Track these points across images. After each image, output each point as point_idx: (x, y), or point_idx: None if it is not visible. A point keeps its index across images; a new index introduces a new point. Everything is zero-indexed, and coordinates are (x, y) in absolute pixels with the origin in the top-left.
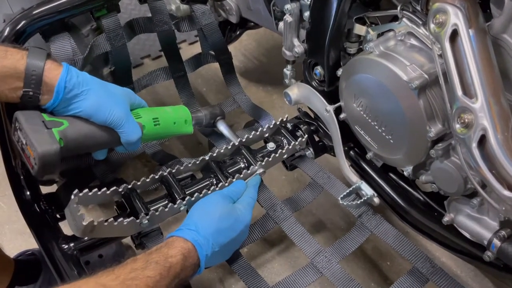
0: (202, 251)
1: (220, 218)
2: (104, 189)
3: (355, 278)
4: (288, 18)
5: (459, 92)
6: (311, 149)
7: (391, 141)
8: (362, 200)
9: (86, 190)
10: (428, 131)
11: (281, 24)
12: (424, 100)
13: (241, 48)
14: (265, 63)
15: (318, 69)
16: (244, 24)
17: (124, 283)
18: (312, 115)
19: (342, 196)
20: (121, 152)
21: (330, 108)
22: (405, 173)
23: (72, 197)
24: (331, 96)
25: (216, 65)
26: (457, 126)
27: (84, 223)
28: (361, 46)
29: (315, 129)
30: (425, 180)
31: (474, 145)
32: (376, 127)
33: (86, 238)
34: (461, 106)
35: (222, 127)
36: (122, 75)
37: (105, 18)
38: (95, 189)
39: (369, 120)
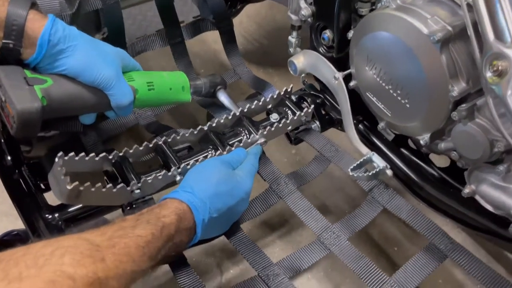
0: (198, 215)
1: (218, 182)
2: (93, 154)
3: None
4: None
5: (491, 37)
6: (317, 122)
7: (407, 105)
8: (374, 171)
9: (72, 153)
10: (451, 90)
11: None
12: (447, 56)
13: (241, 30)
14: (266, 45)
15: (327, 33)
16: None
17: (111, 240)
18: (318, 88)
19: (352, 167)
20: (112, 118)
21: (339, 75)
22: (421, 142)
23: (56, 160)
24: (340, 63)
25: (216, 46)
26: (489, 74)
27: (69, 187)
28: (373, 7)
29: (321, 102)
30: (444, 148)
31: (509, 92)
32: (391, 91)
33: (72, 208)
34: (494, 53)
35: (223, 97)
36: (114, 37)
37: None
38: (82, 154)
39: (383, 84)
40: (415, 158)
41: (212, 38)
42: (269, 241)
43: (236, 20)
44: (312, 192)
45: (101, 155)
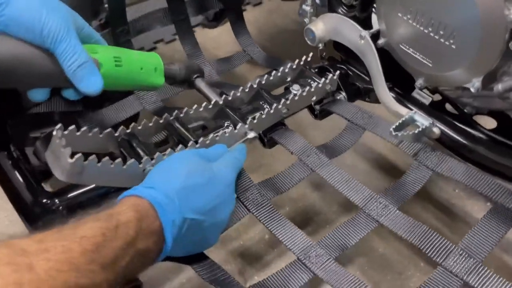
0: (164, 214)
1: (188, 173)
2: (96, 129)
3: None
4: None
5: None
6: (343, 93)
7: (453, 46)
8: (420, 129)
9: (73, 126)
10: (508, 13)
11: None
12: None
13: None
14: (269, 48)
15: None
16: None
17: (42, 243)
18: (339, 59)
19: (394, 127)
20: (72, 98)
21: (366, 33)
22: (472, 89)
23: (54, 132)
24: (363, 24)
25: (222, 38)
26: None
27: (71, 160)
28: None
29: (345, 73)
30: (502, 89)
31: None
32: (432, 34)
33: (74, 193)
34: None
35: (202, 85)
36: (115, 12)
37: None
38: (85, 128)
39: (422, 28)
40: (457, 123)
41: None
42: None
43: None
44: None
45: (106, 131)
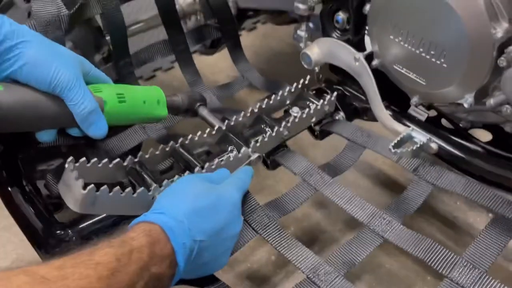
0: (175, 238)
1: (195, 196)
2: (106, 160)
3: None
4: None
5: None
6: (342, 113)
7: (444, 65)
8: (418, 145)
9: (84, 159)
10: (494, 32)
11: None
12: None
13: None
14: (266, 70)
15: (340, 15)
16: (242, 17)
17: (62, 269)
18: (335, 80)
19: (393, 144)
20: (76, 135)
21: (360, 54)
22: (465, 105)
23: (66, 165)
24: (357, 47)
25: (219, 64)
26: None
27: (84, 191)
28: None
29: (342, 94)
30: (494, 103)
31: None
32: (423, 55)
33: (86, 223)
34: None
35: (205, 113)
36: (117, 44)
37: None
38: (95, 159)
39: (413, 49)
40: (453, 137)
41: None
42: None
43: None
44: None
45: (114, 161)
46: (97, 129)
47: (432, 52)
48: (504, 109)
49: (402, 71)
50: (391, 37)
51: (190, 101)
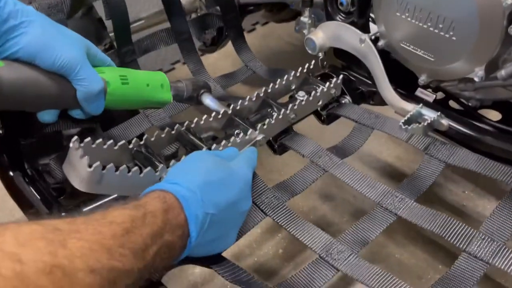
0: (189, 208)
1: (208, 170)
2: (111, 141)
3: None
4: None
5: None
6: (348, 97)
7: (454, 38)
8: (429, 121)
9: (89, 138)
10: None
11: None
12: None
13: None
14: None
15: None
16: (243, 12)
17: (74, 224)
18: (340, 66)
19: (403, 121)
20: (78, 117)
21: (366, 36)
22: (476, 79)
23: (71, 144)
24: (362, 29)
25: (219, 63)
26: None
27: (90, 169)
28: None
29: (348, 79)
30: (506, 74)
31: None
32: (431, 29)
33: (91, 206)
34: None
35: (209, 100)
36: (120, 31)
37: None
38: (100, 140)
39: (421, 24)
40: (463, 116)
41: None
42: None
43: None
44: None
45: (120, 143)
46: (97, 108)
47: (440, 26)
48: None
49: (410, 48)
50: (398, 14)
51: (194, 87)
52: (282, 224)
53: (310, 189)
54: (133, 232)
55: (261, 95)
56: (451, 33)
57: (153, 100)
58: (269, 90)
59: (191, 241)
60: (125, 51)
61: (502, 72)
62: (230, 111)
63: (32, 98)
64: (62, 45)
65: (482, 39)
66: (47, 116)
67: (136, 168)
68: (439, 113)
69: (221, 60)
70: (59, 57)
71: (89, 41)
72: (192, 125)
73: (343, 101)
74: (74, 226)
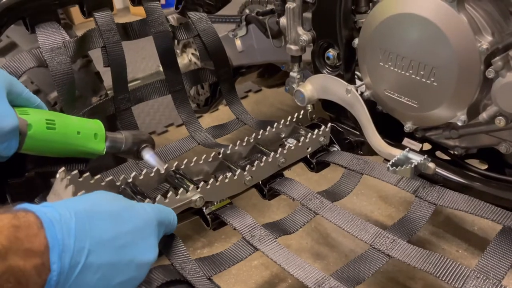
0: (53, 231)
1: (98, 200)
2: (98, 176)
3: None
4: (290, 4)
5: None
6: (337, 146)
7: (435, 84)
8: (415, 163)
9: (76, 171)
10: (480, 44)
11: (282, 20)
12: (466, 14)
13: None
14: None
15: (331, 51)
16: (235, 74)
17: None
18: (328, 118)
19: (391, 163)
20: None
21: (352, 86)
22: (458, 123)
23: (58, 175)
24: (348, 81)
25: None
26: None
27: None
28: None
29: (336, 129)
30: (487, 116)
31: None
32: (413, 76)
33: None
34: None
35: (148, 156)
36: (117, 78)
37: (97, 12)
38: (87, 174)
39: (403, 72)
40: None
41: None
42: None
43: (226, 115)
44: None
45: (107, 179)
46: (8, 148)
47: (421, 73)
48: (498, 121)
49: (394, 96)
50: (381, 63)
51: (134, 140)
52: (273, 258)
53: (302, 247)
54: None
55: (252, 140)
56: (432, 79)
57: (83, 149)
58: (259, 137)
59: (52, 280)
60: (121, 98)
61: (484, 115)
62: (220, 156)
63: None
64: None
65: (461, 83)
66: None
67: None
68: (425, 156)
69: (213, 123)
70: None
71: (84, 94)
72: (182, 167)
73: (332, 149)
74: None
